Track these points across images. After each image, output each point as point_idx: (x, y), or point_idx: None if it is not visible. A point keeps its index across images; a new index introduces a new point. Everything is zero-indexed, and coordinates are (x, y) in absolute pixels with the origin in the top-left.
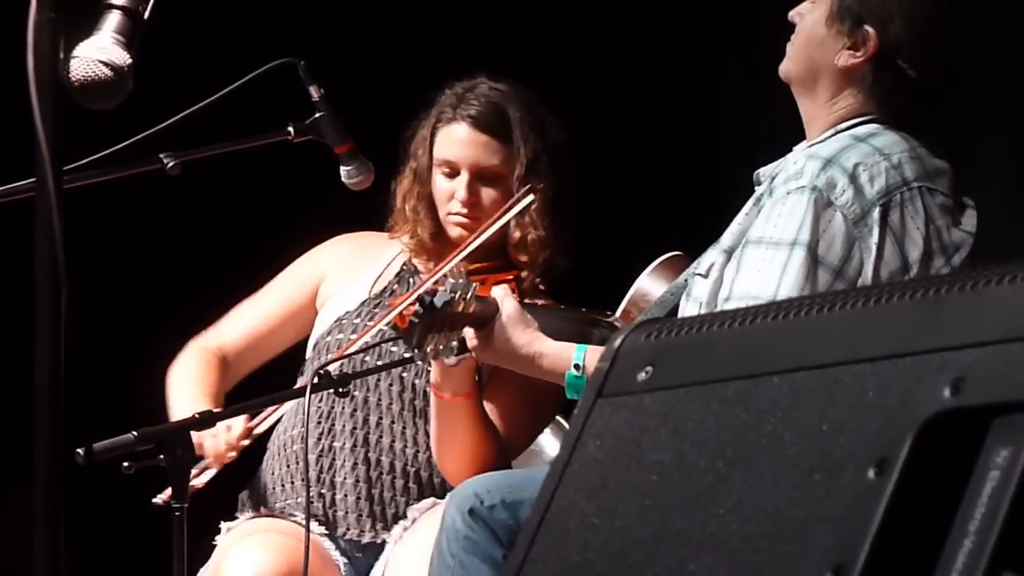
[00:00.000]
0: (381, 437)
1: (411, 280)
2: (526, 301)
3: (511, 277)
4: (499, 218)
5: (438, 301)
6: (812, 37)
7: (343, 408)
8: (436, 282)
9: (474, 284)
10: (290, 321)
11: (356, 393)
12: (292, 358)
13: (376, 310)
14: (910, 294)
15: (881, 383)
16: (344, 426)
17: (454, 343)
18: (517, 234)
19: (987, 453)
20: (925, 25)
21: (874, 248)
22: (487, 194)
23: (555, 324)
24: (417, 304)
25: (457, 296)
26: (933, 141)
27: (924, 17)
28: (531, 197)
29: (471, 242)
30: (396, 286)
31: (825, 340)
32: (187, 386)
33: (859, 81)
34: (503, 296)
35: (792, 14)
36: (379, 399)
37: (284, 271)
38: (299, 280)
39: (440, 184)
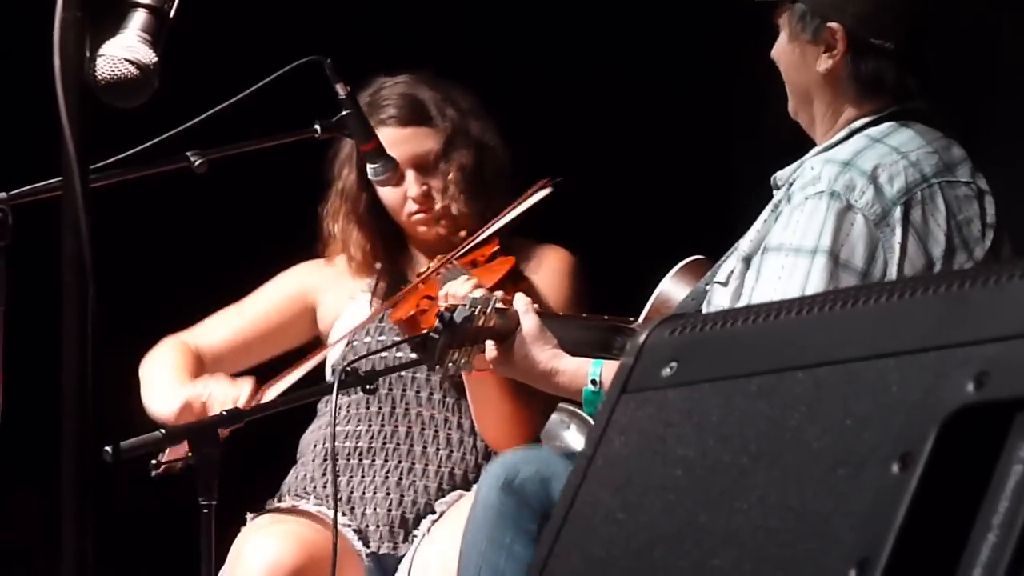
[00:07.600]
0: (412, 445)
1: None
2: (548, 312)
3: (512, 264)
4: (512, 210)
5: (458, 317)
6: (789, 64)
7: (369, 424)
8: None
9: (494, 298)
10: (275, 332)
11: (383, 407)
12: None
13: (382, 324)
14: (933, 289)
15: (904, 378)
16: (372, 444)
17: (475, 357)
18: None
19: (1011, 447)
20: None
21: (897, 248)
22: (434, 183)
23: (577, 333)
24: (437, 320)
25: (477, 311)
26: (944, 128)
27: None
28: (548, 190)
29: (478, 237)
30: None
31: (848, 335)
32: (167, 371)
33: (847, 78)
34: (524, 311)
35: (772, 55)
36: (407, 407)
37: (270, 283)
38: (290, 292)
39: (388, 194)
